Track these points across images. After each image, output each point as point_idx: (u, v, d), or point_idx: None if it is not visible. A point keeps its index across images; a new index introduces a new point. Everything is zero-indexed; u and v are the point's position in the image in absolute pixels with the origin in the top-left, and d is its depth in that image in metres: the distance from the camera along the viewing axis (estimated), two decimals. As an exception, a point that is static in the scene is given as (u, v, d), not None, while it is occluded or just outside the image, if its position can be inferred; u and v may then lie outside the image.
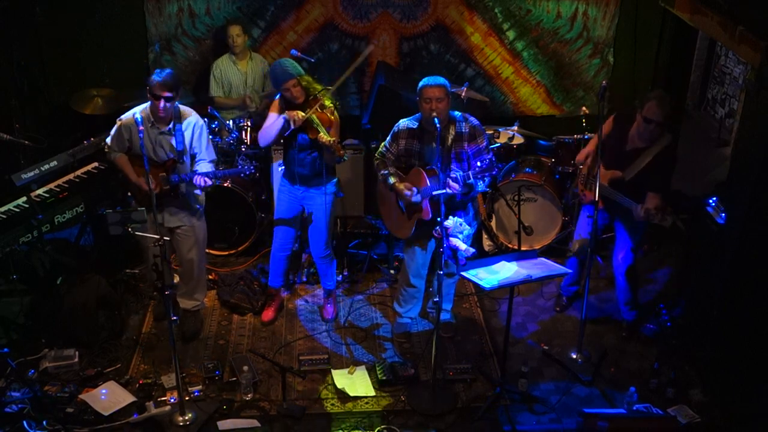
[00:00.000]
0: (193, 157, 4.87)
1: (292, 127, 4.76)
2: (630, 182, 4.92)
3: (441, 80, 4.62)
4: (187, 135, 4.77)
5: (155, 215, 4.43)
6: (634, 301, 5.31)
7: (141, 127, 4.25)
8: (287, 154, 5.03)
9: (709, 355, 4.82)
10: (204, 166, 4.83)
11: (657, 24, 6.91)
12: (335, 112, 4.91)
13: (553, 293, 5.72)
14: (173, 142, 4.75)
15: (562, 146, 6.31)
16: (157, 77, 4.55)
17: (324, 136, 4.73)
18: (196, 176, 4.68)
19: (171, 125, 4.72)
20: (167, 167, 4.77)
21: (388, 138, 4.90)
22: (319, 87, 4.87)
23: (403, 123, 4.83)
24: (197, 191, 4.89)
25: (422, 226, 4.84)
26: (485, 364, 5.05)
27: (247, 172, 4.88)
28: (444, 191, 4.53)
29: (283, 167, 5.18)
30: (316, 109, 4.77)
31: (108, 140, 4.90)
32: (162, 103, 4.57)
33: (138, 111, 4.70)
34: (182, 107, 4.81)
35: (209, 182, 4.70)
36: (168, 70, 4.61)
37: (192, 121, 4.80)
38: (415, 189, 4.69)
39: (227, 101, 6.46)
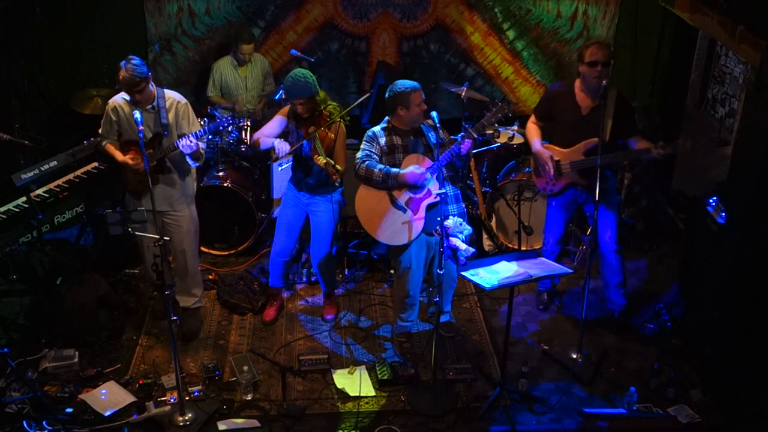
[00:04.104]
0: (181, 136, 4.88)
1: (279, 156, 4.82)
2: (608, 144, 4.85)
3: (417, 83, 4.75)
4: (171, 113, 4.82)
5: (152, 192, 4.33)
6: (625, 284, 5.30)
7: (141, 128, 4.26)
8: (295, 159, 5.02)
9: (709, 355, 4.81)
10: None
11: (657, 24, 6.91)
12: (341, 127, 4.90)
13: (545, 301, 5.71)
14: (157, 118, 4.79)
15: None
16: (121, 78, 4.59)
17: (320, 159, 4.74)
18: (179, 141, 4.68)
19: (154, 103, 4.77)
20: (153, 143, 4.80)
21: (363, 145, 4.84)
22: (329, 101, 4.90)
23: (375, 128, 4.86)
24: (190, 161, 4.86)
25: (426, 217, 4.83)
26: (485, 364, 5.05)
27: (225, 124, 4.83)
28: (443, 191, 4.56)
29: (283, 167, 5.18)
30: (323, 128, 4.78)
31: (100, 129, 4.97)
32: (136, 96, 4.68)
33: (125, 94, 4.79)
34: (167, 90, 4.87)
35: (193, 144, 4.67)
36: (130, 70, 4.57)
37: (175, 100, 4.85)
38: (422, 170, 4.69)
39: (220, 101, 6.48)
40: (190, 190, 5.09)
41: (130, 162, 4.81)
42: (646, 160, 4.92)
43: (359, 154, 4.83)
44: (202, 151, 4.86)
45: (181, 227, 5.05)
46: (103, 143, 4.96)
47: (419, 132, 4.80)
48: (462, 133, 4.66)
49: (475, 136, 4.65)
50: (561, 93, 5.08)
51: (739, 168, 4.64)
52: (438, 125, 4.53)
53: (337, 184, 5.04)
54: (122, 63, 4.61)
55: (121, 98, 4.83)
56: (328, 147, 4.84)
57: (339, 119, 4.86)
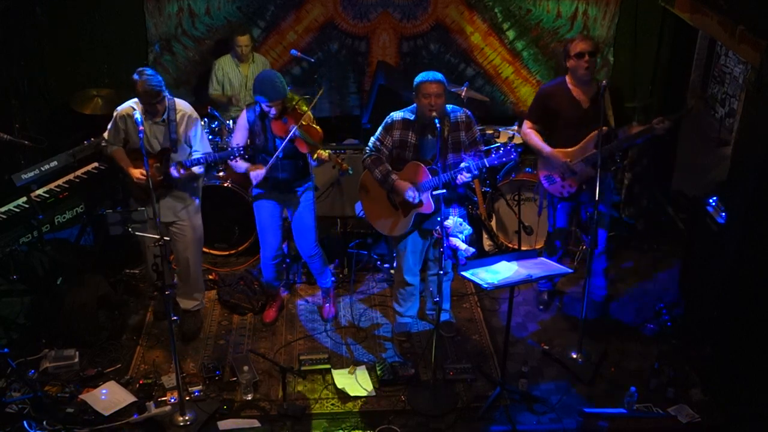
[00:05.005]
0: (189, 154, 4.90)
1: (255, 183, 4.92)
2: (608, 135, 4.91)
3: (439, 76, 4.62)
4: (181, 126, 4.81)
5: (154, 206, 4.38)
6: (609, 272, 5.50)
7: (141, 128, 4.30)
8: (265, 161, 4.91)
9: (709, 355, 4.82)
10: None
11: (657, 24, 6.91)
12: (311, 117, 4.90)
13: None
14: (167, 132, 4.78)
15: (562, 146, 6.30)
16: (141, 91, 4.57)
17: (323, 153, 4.73)
18: (189, 160, 4.71)
19: (165, 115, 4.76)
20: (161, 157, 4.80)
21: (379, 131, 4.84)
22: (296, 98, 4.86)
23: (397, 114, 4.80)
24: (194, 182, 4.89)
25: (419, 221, 4.84)
26: (485, 364, 5.05)
27: (237, 154, 4.79)
28: (443, 191, 4.55)
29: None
30: (300, 123, 4.72)
31: (105, 134, 4.95)
32: (157, 107, 4.66)
33: (134, 103, 4.75)
34: (177, 100, 4.85)
35: (201, 166, 4.73)
36: (146, 81, 4.55)
37: (186, 113, 4.84)
38: (417, 193, 4.70)
39: (221, 98, 6.48)
40: (195, 201, 5.08)
41: (141, 178, 4.76)
42: (652, 137, 4.90)
43: (371, 140, 4.85)
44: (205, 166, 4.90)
45: (186, 236, 5.06)
46: (109, 150, 4.95)
47: (435, 131, 4.58)
48: (465, 164, 4.60)
49: (475, 172, 4.60)
50: (556, 91, 5.03)
51: (739, 168, 4.64)
52: (439, 131, 4.49)
53: (313, 173, 5.11)
54: (135, 75, 4.57)
55: (129, 106, 4.77)
56: (321, 141, 4.82)
57: (307, 108, 4.83)
